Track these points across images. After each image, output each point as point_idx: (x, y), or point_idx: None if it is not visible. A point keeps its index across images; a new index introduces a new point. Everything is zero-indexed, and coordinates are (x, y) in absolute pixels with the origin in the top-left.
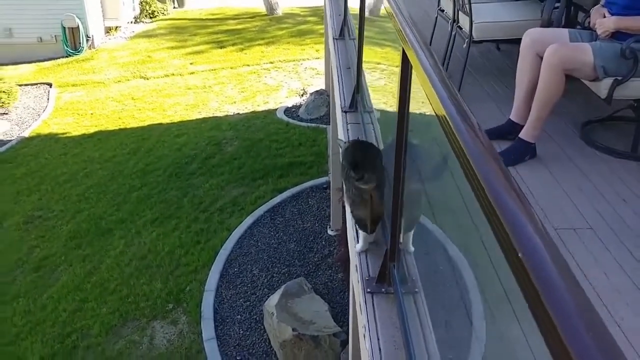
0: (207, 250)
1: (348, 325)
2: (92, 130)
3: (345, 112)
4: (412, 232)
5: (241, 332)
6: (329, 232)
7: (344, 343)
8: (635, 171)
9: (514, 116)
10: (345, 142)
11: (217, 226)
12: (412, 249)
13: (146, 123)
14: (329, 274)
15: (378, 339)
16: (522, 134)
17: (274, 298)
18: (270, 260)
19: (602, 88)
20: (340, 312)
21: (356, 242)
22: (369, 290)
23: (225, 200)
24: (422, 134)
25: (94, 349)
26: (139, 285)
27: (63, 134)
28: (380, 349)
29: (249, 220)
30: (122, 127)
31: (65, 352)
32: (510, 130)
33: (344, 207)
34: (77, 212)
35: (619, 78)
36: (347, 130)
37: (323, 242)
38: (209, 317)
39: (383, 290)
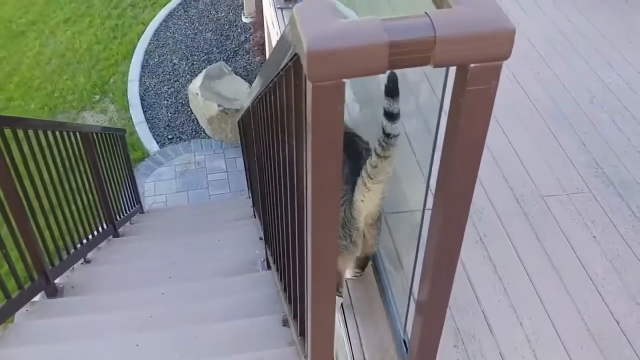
0: (125, 44)
1: None
2: None
3: None
4: None
5: (169, 114)
6: (244, 19)
7: None
8: None
9: None
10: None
11: (132, 21)
12: None
13: None
14: (247, 58)
15: None
16: None
17: (197, 81)
18: (189, 49)
19: None
20: None
21: None
22: None
23: None
24: None
25: None
26: (63, 81)
27: None
28: None
29: (162, 13)
30: None
31: None
32: None
33: None
34: None
35: None
36: None
37: (239, 30)
38: (137, 104)
39: None
